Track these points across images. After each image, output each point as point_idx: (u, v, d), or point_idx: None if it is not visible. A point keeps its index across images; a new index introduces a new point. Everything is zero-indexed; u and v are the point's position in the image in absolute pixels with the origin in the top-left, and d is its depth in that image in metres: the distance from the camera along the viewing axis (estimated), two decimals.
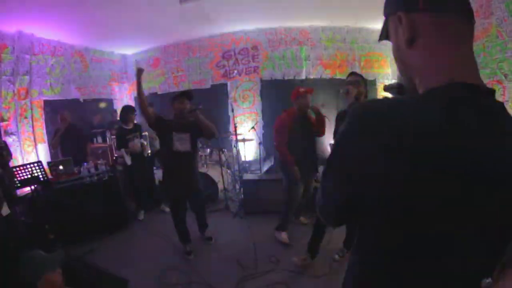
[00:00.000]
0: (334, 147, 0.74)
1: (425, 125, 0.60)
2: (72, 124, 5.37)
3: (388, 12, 0.78)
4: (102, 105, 7.74)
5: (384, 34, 0.82)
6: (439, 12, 0.67)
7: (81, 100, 6.90)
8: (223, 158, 5.48)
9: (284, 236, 3.86)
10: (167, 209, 4.80)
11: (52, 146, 5.51)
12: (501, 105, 0.65)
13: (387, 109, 0.66)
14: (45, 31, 5.72)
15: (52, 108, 6.11)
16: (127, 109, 5.00)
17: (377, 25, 6.84)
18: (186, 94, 3.55)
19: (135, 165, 4.82)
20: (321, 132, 3.81)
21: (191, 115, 3.37)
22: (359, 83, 2.77)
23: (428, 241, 0.64)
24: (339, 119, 3.06)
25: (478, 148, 0.59)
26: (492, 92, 0.66)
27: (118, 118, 5.20)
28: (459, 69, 0.66)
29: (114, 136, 5.45)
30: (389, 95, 1.03)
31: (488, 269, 0.65)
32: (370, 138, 0.63)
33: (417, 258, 0.66)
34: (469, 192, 0.60)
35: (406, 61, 0.75)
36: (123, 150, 4.75)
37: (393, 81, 6.72)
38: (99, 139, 6.43)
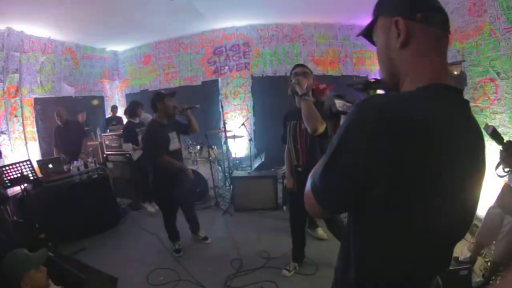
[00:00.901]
0: (338, 138, 0.77)
1: (422, 117, 0.71)
2: (68, 120, 5.36)
3: (381, 14, 0.89)
4: (95, 102, 7.73)
5: (368, 32, 0.94)
6: (431, 25, 0.81)
7: (73, 96, 6.88)
8: (213, 155, 5.50)
9: (320, 232, 3.87)
10: (152, 209, 4.85)
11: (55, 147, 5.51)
12: (467, 102, 0.83)
13: (387, 103, 0.73)
14: (35, 28, 5.68)
15: (42, 106, 6.10)
16: (136, 104, 5.14)
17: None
18: (174, 93, 3.60)
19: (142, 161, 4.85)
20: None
21: (184, 113, 3.46)
22: (308, 74, 2.73)
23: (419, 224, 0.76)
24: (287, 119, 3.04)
25: (460, 135, 0.75)
26: (461, 91, 0.82)
27: (116, 114, 5.23)
28: (441, 73, 0.81)
29: (111, 131, 5.50)
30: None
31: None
32: (372, 130, 0.70)
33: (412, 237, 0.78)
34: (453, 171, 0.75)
35: (396, 60, 0.86)
36: (131, 145, 4.80)
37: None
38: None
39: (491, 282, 2.72)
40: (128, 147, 4.88)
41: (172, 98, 3.48)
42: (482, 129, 1.67)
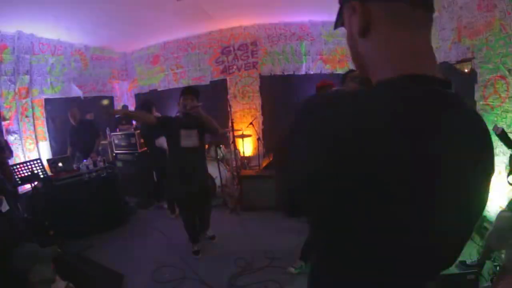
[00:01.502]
0: (282, 140, 0.71)
1: (365, 121, 0.55)
2: (82, 120, 5.52)
3: (343, 0, 0.73)
4: (105, 102, 7.81)
5: (340, 22, 0.78)
6: (390, 1, 0.64)
7: (82, 97, 6.97)
8: (221, 154, 5.51)
9: None
10: (165, 205, 4.87)
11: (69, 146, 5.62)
12: (454, 95, 0.64)
13: (326, 105, 0.63)
14: (44, 30, 5.77)
15: (53, 107, 6.20)
16: (150, 103, 5.18)
17: None
18: (190, 90, 3.52)
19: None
20: None
21: (194, 111, 3.33)
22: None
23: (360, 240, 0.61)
24: None
25: (426, 148, 0.56)
26: (446, 82, 0.63)
27: None
28: (411, 60, 0.63)
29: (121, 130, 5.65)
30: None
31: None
32: (307, 134, 0.61)
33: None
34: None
35: (360, 51, 0.72)
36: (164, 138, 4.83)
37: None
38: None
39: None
40: (162, 141, 4.90)
41: (187, 96, 3.42)
42: (491, 129, 1.57)
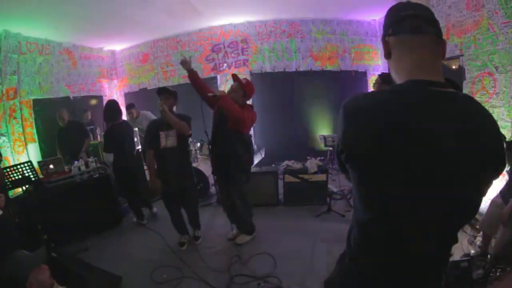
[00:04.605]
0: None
1: (385, 108, 0.88)
2: (71, 121, 5.42)
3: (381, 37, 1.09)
4: (93, 102, 7.71)
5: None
6: (398, 34, 0.99)
7: (71, 97, 6.88)
8: None
9: None
10: (155, 209, 4.83)
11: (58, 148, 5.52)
12: (453, 93, 0.90)
13: (364, 101, 0.94)
14: (32, 30, 5.68)
15: (41, 107, 6.10)
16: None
17: (367, 17, 6.85)
18: (161, 91, 3.56)
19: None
20: None
21: (163, 113, 3.40)
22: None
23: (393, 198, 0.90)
24: None
25: (426, 123, 0.83)
26: (444, 84, 0.91)
27: None
28: (415, 70, 0.94)
29: None
30: None
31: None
32: (353, 125, 0.92)
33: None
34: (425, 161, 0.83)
35: (391, 68, 1.06)
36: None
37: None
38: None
39: (491, 274, 2.73)
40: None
41: (160, 97, 3.48)
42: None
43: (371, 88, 6.85)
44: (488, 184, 0.92)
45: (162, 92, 3.52)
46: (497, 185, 2.91)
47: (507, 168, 2.64)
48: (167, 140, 3.50)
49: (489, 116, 0.91)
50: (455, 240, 0.99)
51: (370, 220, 0.97)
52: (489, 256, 2.94)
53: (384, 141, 0.84)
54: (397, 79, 1.00)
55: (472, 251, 3.19)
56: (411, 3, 1.01)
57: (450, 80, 0.94)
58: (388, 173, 0.86)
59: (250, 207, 3.79)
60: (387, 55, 1.03)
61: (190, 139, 5.76)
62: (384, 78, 2.94)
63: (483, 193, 0.93)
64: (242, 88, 3.36)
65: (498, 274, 2.68)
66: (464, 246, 3.32)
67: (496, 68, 3.59)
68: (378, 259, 0.99)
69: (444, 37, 0.98)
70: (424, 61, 0.94)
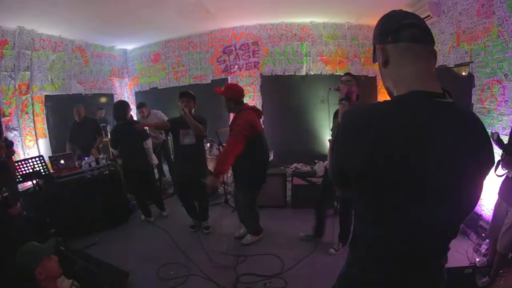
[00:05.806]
0: (335, 140, 1.05)
1: (392, 121, 0.86)
2: (86, 118, 5.50)
3: (373, 43, 1.09)
4: (104, 99, 7.78)
5: (374, 58, 1.10)
6: (398, 42, 0.96)
7: (83, 94, 6.94)
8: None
9: None
10: (164, 213, 4.83)
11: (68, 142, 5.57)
12: (451, 103, 0.91)
13: (367, 113, 0.92)
14: (45, 27, 5.75)
15: (53, 103, 6.17)
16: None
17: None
18: (183, 94, 3.90)
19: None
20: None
21: (184, 114, 3.75)
22: (350, 82, 3.05)
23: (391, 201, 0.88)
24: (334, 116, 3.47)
25: (429, 133, 0.84)
26: (442, 94, 0.92)
27: None
28: (417, 81, 0.92)
29: None
30: None
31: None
32: (357, 135, 0.89)
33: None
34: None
35: (385, 76, 1.04)
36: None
37: None
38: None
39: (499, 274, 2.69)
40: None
41: (181, 99, 3.84)
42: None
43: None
44: (484, 179, 0.95)
45: (185, 95, 3.86)
46: (496, 185, 2.86)
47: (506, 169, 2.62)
48: (185, 138, 3.96)
49: (479, 119, 0.95)
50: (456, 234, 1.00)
51: (382, 234, 0.94)
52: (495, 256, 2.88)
53: (398, 157, 0.83)
54: (395, 88, 0.98)
55: (477, 259, 3.15)
56: (408, 12, 1.01)
57: (447, 90, 0.95)
58: (408, 189, 0.85)
59: (255, 212, 3.85)
60: (384, 63, 1.01)
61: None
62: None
63: (482, 187, 0.95)
64: (225, 98, 3.57)
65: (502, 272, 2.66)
66: (469, 254, 3.29)
67: (506, 75, 3.55)
68: (388, 269, 0.97)
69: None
70: (425, 71, 0.94)
